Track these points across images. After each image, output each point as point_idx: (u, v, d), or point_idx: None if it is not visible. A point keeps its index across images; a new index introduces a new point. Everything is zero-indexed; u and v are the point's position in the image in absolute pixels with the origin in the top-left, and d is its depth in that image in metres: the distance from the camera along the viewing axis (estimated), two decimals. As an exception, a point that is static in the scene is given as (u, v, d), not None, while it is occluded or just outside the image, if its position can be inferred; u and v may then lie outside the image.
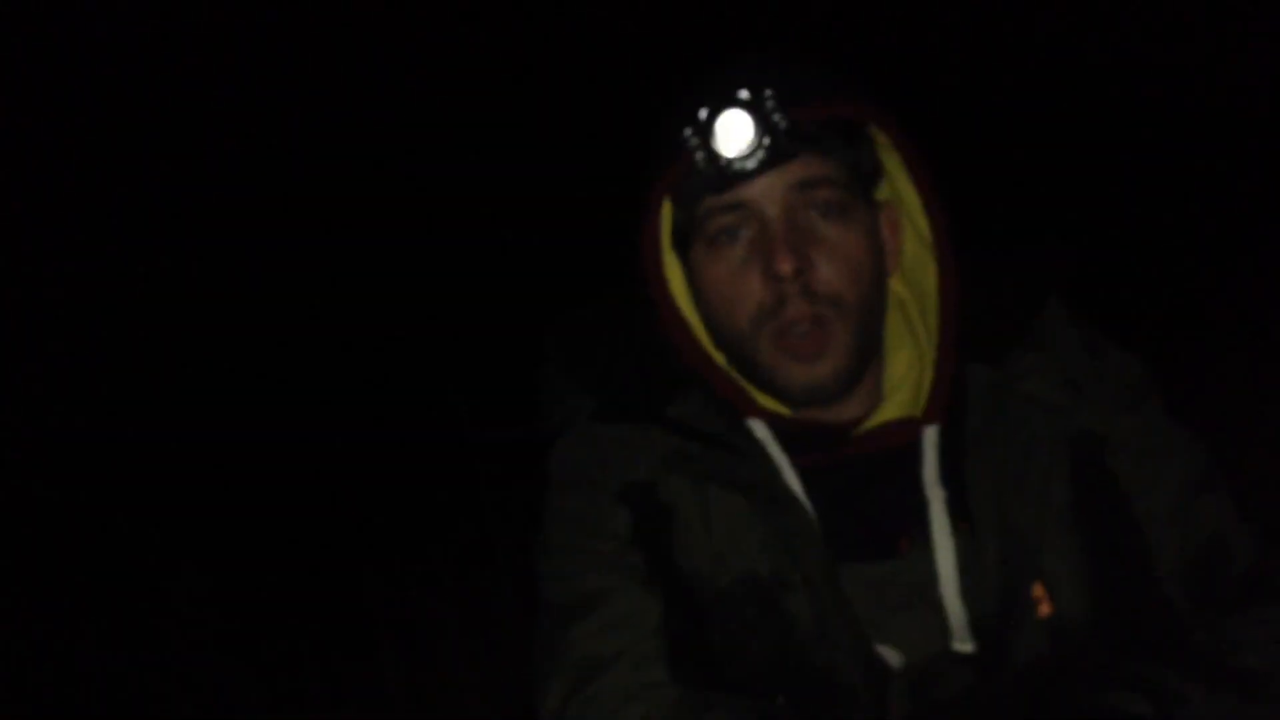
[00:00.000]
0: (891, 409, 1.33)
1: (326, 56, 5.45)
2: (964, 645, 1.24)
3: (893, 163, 1.34)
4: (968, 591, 1.24)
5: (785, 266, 1.23)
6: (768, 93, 1.23)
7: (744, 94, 1.23)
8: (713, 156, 1.24)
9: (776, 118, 1.23)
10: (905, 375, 1.35)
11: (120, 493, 4.19)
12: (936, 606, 1.24)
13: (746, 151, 1.23)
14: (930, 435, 1.29)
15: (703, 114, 1.24)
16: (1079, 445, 1.25)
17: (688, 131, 1.25)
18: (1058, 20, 5.44)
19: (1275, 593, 1.22)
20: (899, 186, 1.35)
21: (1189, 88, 5.23)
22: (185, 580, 3.43)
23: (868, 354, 1.31)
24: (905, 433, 1.31)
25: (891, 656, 1.25)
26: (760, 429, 1.31)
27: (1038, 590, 1.23)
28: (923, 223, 1.34)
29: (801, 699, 1.24)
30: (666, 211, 1.33)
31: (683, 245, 1.33)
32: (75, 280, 5.04)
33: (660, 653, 1.24)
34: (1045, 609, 1.23)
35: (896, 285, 1.38)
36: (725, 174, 1.24)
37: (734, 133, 1.23)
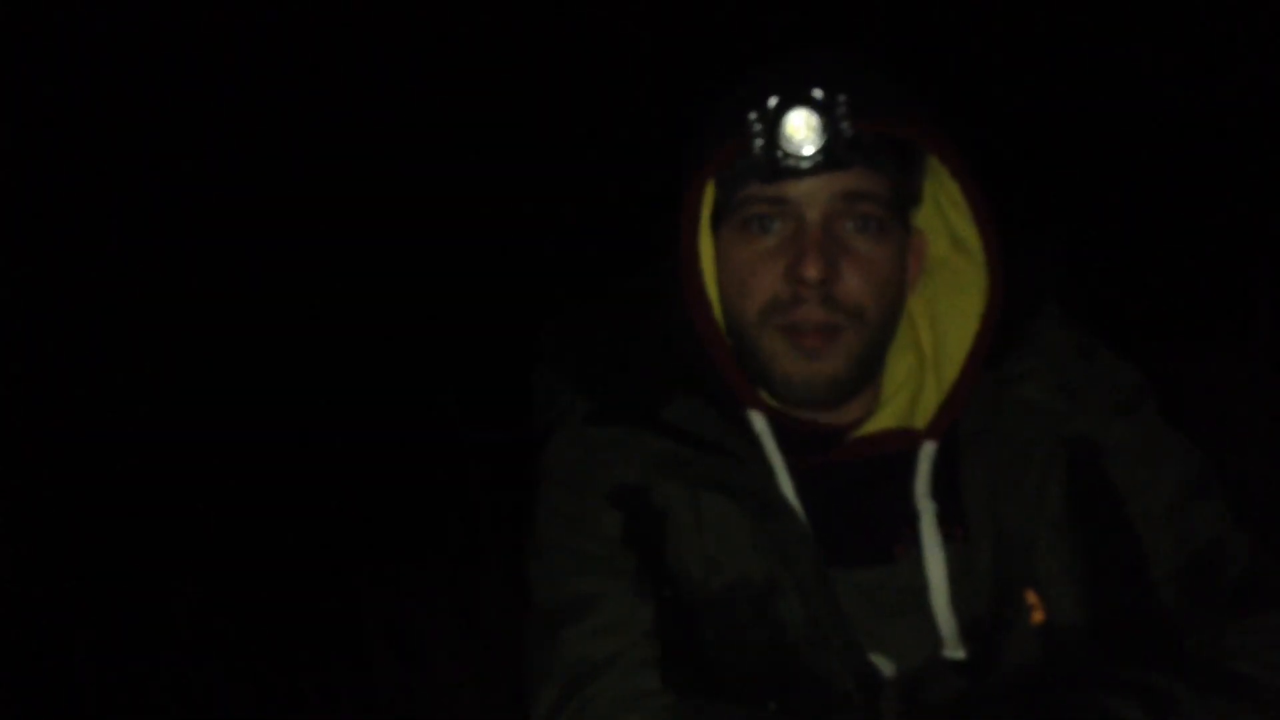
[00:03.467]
0: (889, 415, 1.33)
1: (324, 55, 5.45)
2: (956, 652, 1.24)
3: (940, 189, 1.33)
4: (960, 597, 1.23)
5: (812, 271, 1.22)
6: (841, 98, 1.21)
7: (818, 94, 1.22)
8: (771, 147, 1.22)
9: (844, 125, 1.21)
10: (904, 382, 1.34)
11: (113, 494, 4.18)
12: (929, 612, 1.24)
13: (809, 152, 1.21)
14: (927, 445, 1.29)
15: (772, 102, 1.22)
16: (1074, 450, 1.25)
17: (752, 116, 1.23)
18: (1056, 23, 5.45)
19: (1269, 599, 1.22)
20: (949, 213, 1.34)
21: (1186, 89, 5.24)
22: (177, 582, 3.43)
23: (870, 369, 1.31)
24: (902, 441, 1.31)
25: (883, 663, 1.24)
26: (759, 421, 1.30)
27: (1031, 596, 1.23)
28: (975, 246, 1.32)
29: (793, 705, 1.24)
30: (708, 191, 1.32)
31: (714, 226, 1.32)
32: (74, 280, 5.03)
33: (652, 658, 1.23)
34: (1038, 615, 1.22)
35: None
36: (776, 167, 1.23)
37: (800, 130, 1.21)
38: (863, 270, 1.25)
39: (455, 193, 5.28)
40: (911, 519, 1.26)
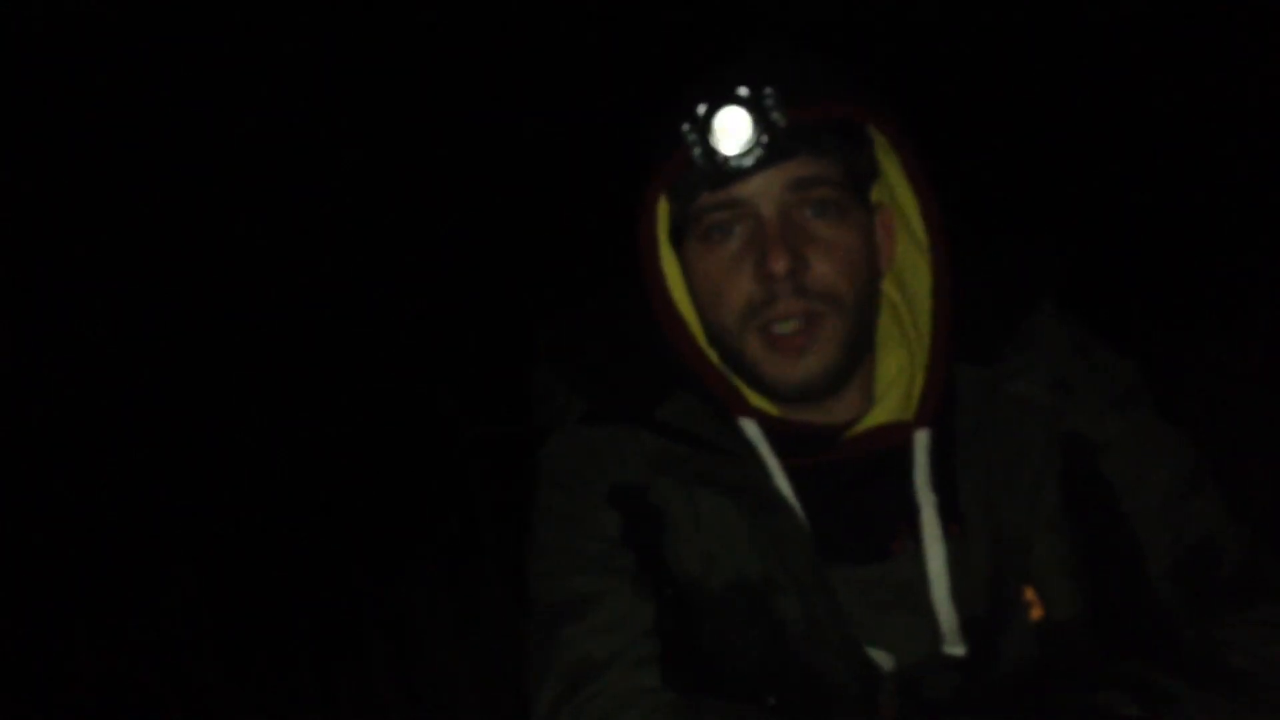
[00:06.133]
0: (882, 412, 1.33)
1: (322, 53, 5.43)
2: (954, 648, 1.24)
3: (890, 164, 1.33)
4: (958, 594, 1.23)
5: (779, 265, 1.22)
6: (767, 91, 1.22)
7: (744, 91, 1.22)
8: (709, 153, 1.23)
9: (775, 116, 1.22)
10: (896, 378, 1.34)
11: (109, 492, 4.18)
12: (927, 609, 1.24)
13: (743, 149, 1.22)
14: (921, 439, 1.28)
15: (701, 109, 1.23)
16: (1069, 447, 1.25)
17: (685, 127, 1.24)
18: (1054, 19, 5.45)
19: (1265, 592, 1.22)
20: (895, 188, 1.34)
21: (1186, 83, 5.24)
22: (174, 578, 3.42)
23: (859, 352, 1.30)
24: (896, 436, 1.30)
25: (882, 659, 1.24)
26: (751, 428, 1.31)
27: (1028, 593, 1.23)
28: (918, 225, 1.33)
29: (792, 701, 1.24)
30: (664, 207, 1.33)
31: (678, 240, 1.32)
32: (73, 280, 5.03)
33: (652, 656, 1.24)
34: (1036, 611, 1.23)
35: (888, 287, 1.37)
36: (722, 171, 1.23)
37: (732, 130, 1.22)
38: (830, 254, 1.25)
39: (454, 191, 5.28)
40: (909, 515, 1.26)
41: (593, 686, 1.22)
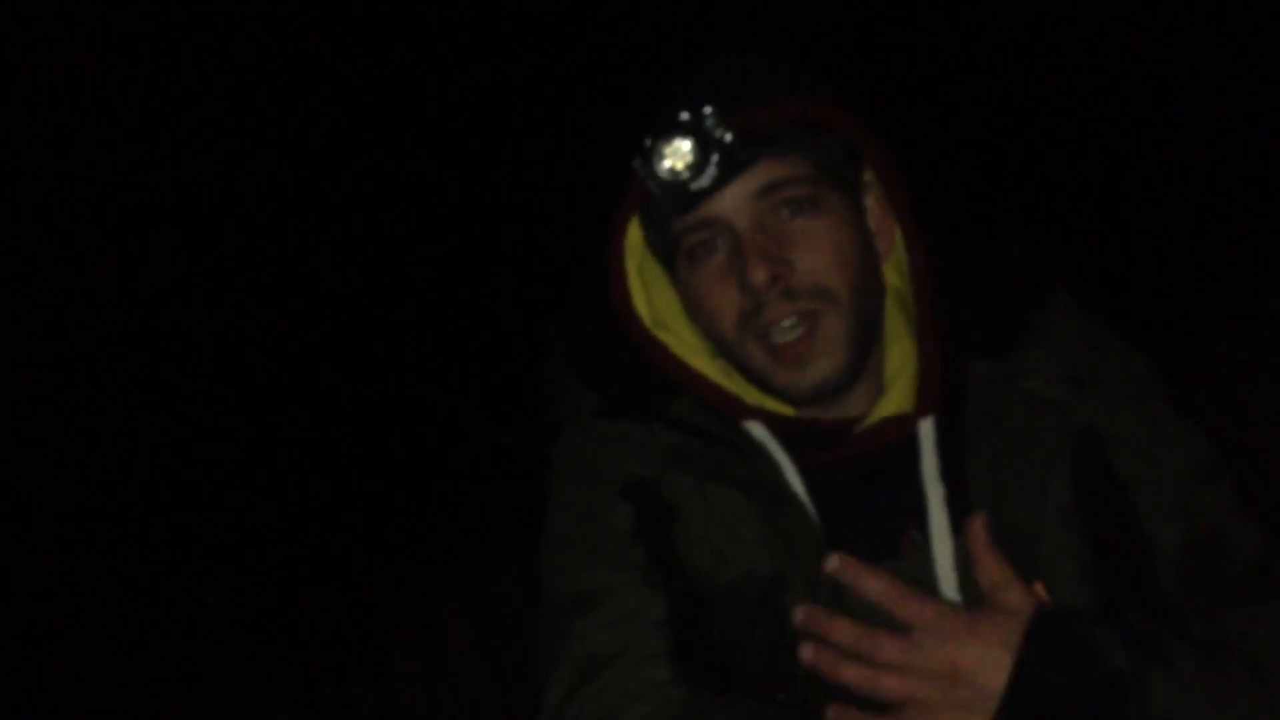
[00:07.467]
0: (890, 404, 1.33)
1: (328, 60, 5.43)
2: None
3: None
4: (967, 590, 1.22)
5: (759, 276, 1.24)
6: (706, 110, 1.23)
7: (684, 115, 1.23)
8: (663, 184, 1.24)
9: (719, 133, 1.22)
10: (901, 368, 1.35)
11: (133, 498, 4.18)
12: None
13: (690, 175, 1.23)
14: (926, 430, 1.29)
15: (648, 143, 1.24)
16: (1081, 442, 1.25)
17: (637, 163, 1.26)
18: (1062, 12, 5.44)
19: (1273, 588, 1.21)
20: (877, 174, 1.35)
21: (1190, 81, 5.24)
22: (196, 588, 3.43)
23: (866, 344, 1.31)
24: (903, 427, 1.30)
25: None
26: (758, 430, 1.31)
27: (1037, 587, 1.22)
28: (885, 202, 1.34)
29: (802, 697, 1.23)
30: (637, 232, 1.35)
31: (668, 261, 1.34)
32: (79, 281, 5.02)
33: (663, 650, 1.23)
34: None
35: (893, 276, 1.38)
36: (684, 195, 1.24)
37: (678, 157, 1.23)
38: (815, 250, 1.26)
39: (471, 194, 5.28)
40: (919, 508, 1.26)
41: (601, 680, 1.22)
